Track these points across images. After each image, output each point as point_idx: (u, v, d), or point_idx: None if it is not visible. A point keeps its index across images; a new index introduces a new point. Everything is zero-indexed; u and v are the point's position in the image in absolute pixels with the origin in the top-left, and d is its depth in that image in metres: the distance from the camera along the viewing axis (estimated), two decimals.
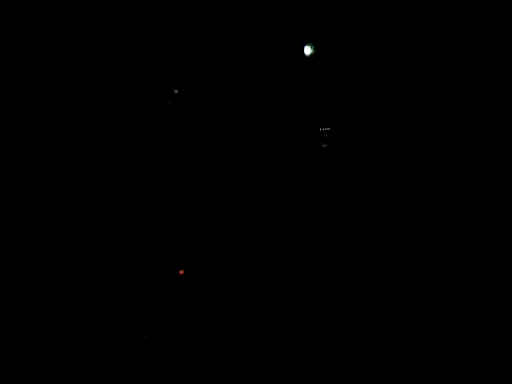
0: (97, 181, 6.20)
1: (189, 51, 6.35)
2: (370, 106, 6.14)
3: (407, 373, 5.45)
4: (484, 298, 5.72)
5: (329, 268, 6.07)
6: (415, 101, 6.08)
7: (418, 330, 5.70)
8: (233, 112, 6.31)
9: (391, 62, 6.08)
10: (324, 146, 6.10)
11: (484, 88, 5.94)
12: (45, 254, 6.02)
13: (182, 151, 6.31)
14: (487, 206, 5.92)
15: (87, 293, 5.97)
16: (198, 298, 5.96)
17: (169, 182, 6.24)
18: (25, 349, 5.66)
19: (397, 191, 6.10)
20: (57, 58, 6.20)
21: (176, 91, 6.35)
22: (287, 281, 6.01)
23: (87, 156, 6.24)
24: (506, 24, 5.84)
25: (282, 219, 6.10)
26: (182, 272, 5.94)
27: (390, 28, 6.05)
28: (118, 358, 5.67)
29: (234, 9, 6.14)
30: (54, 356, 5.65)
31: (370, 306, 5.89)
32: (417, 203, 6.05)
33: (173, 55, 6.33)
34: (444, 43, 5.99)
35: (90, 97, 6.27)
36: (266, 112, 6.27)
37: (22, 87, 6.17)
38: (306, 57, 6.05)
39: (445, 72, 6.02)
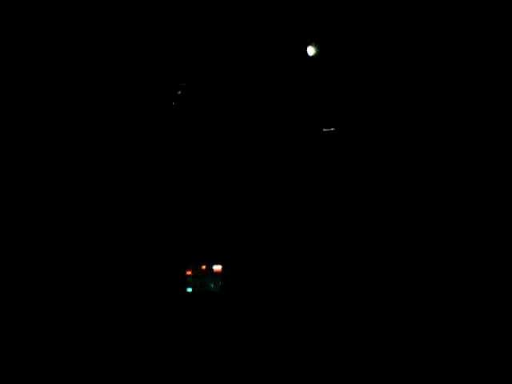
0: (99, 180, 6.22)
1: (193, 50, 6.34)
2: (372, 106, 6.15)
3: (407, 373, 5.41)
4: (484, 298, 5.67)
5: (332, 265, 6.08)
6: (417, 101, 6.06)
7: (417, 329, 5.66)
8: (237, 111, 6.33)
9: (393, 62, 6.07)
10: (327, 145, 6.12)
11: (487, 88, 5.92)
12: (45, 254, 6.00)
13: (189, 148, 6.34)
14: (487, 205, 5.86)
15: (88, 293, 5.96)
16: (200, 297, 6.07)
17: (174, 179, 6.30)
18: (25, 349, 5.61)
19: (400, 189, 6.07)
20: (61, 58, 6.19)
21: (183, 84, 6.37)
22: (289, 278, 6.08)
23: (89, 156, 6.23)
24: (506, 24, 5.81)
25: (286, 216, 6.16)
26: (189, 273, 6.02)
27: (392, 29, 6.03)
28: (119, 357, 5.64)
29: (240, 10, 6.12)
30: (54, 356, 5.60)
31: (371, 305, 5.87)
32: (419, 201, 6.02)
33: (178, 52, 6.33)
34: (446, 43, 5.97)
35: (92, 98, 6.26)
36: (270, 111, 6.28)
37: (25, 87, 6.13)
38: (310, 57, 6.06)
39: (447, 72, 6.00)
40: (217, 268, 6.00)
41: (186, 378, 5.47)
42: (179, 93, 6.25)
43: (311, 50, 6.03)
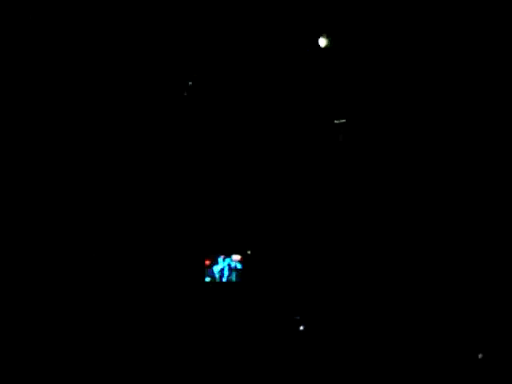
0: (102, 180, 6.32)
1: (199, 45, 6.38)
2: (381, 99, 6.26)
3: (407, 372, 5.45)
4: (484, 298, 5.70)
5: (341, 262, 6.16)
6: (423, 98, 6.11)
7: (418, 329, 5.71)
8: (249, 104, 6.43)
9: (403, 55, 6.13)
10: (339, 138, 6.25)
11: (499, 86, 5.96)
12: (46, 254, 6.04)
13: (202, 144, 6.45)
14: (489, 205, 5.88)
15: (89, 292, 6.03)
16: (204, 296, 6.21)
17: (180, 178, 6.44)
18: (25, 349, 5.63)
19: (405, 187, 6.11)
20: (64, 59, 6.23)
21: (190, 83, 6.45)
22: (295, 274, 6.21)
23: (90, 156, 6.30)
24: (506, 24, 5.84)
25: (301, 209, 6.33)
26: (207, 262, 6.17)
27: (401, 23, 6.08)
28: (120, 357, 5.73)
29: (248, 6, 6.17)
30: (54, 355, 5.64)
31: (372, 305, 5.93)
32: (423, 200, 6.06)
33: (185, 49, 6.37)
34: (447, 41, 6.03)
35: (94, 99, 6.30)
36: (282, 104, 6.38)
37: (27, 87, 6.14)
38: (321, 48, 6.15)
39: (450, 69, 6.06)
40: (235, 257, 6.17)
41: (202, 365, 5.68)
42: (185, 92, 6.36)
43: (322, 42, 6.12)
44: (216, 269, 6.15)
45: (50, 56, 6.20)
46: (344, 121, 6.21)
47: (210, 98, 6.48)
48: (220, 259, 6.15)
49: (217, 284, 6.14)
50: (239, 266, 6.13)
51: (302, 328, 5.93)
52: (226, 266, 6.15)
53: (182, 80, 6.47)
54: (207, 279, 6.14)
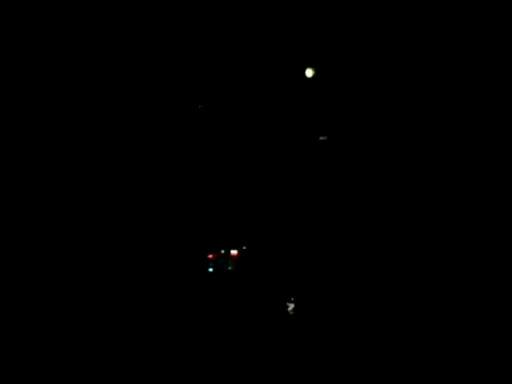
0: (127, 170, 6.76)
1: (196, 53, 6.70)
2: (371, 111, 6.56)
3: (407, 372, 5.39)
4: (484, 298, 5.73)
5: (331, 266, 6.54)
6: (414, 105, 6.30)
7: (417, 329, 5.77)
8: (240, 123, 7.03)
9: (392, 67, 6.42)
10: (323, 152, 7.07)
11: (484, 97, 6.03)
12: (47, 255, 6.24)
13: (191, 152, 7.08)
14: (487, 206, 5.92)
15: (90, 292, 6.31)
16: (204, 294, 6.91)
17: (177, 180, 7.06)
18: (25, 348, 5.68)
19: (396, 194, 6.33)
20: (64, 60, 6.42)
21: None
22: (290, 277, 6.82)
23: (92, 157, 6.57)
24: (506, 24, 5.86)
25: (285, 219, 7.02)
26: (211, 256, 7.33)
27: (390, 33, 6.34)
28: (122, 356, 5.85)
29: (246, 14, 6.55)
30: (54, 355, 5.68)
31: (371, 305, 6.11)
32: (416, 204, 6.21)
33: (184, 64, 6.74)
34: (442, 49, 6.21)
35: (95, 99, 6.57)
36: (278, 103, 6.85)
37: (29, 88, 6.30)
38: (308, 78, 7.06)
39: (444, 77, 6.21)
40: (233, 252, 7.34)
41: (208, 345, 6.16)
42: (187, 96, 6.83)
43: (309, 73, 7.00)
44: (218, 261, 7.33)
45: (58, 60, 6.33)
46: (327, 137, 7.02)
47: (209, 97, 7.02)
48: (222, 253, 7.33)
49: (218, 273, 7.31)
50: (236, 260, 7.29)
51: (291, 308, 6.70)
52: (225, 259, 7.33)
53: (182, 80, 6.79)
54: (210, 269, 7.34)
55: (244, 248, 7.30)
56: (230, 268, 7.26)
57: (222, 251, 7.34)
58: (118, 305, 6.38)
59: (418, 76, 6.38)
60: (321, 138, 7.14)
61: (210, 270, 7.31)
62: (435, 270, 5.99)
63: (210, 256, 7.34)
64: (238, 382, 5.57)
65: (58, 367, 5.52)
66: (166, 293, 6.86)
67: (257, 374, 5.61)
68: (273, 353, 5.89)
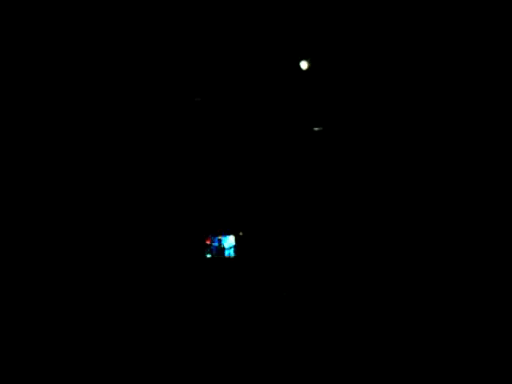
0: (126, 167, 6.93)
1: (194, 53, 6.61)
2: (368, 107, 6.65)
3: (407, 373, 5.37)
4: (484, 298, 5.73)
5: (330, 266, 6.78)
6: (411, 104, 6.36)
7: (417, 330, 5.79)
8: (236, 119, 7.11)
9: (389, 66, 6.42)
10: (318, 144, 7.17)
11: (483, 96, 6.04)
12: (47, 255, 6.32)
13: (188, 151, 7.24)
14: (486, 205, 5.92)
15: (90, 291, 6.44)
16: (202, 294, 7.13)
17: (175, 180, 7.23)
18: (25, 349, 5.71)
19: (393, 191, 6.49)
20: (65, 60, 6.36)
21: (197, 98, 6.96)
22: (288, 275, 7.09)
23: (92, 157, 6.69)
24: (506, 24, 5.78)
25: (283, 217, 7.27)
26: (208, 242, 7.61)
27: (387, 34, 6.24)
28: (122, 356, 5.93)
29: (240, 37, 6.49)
30: (54, 355, 5.72)
31: (371, 305, 6.24)
32: (414, 204, 6.32)
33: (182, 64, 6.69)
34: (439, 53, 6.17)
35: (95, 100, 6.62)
36: (274, 100, 6.92)
37: (29, 88, 6.29)
38: (303, 70, 6.87)
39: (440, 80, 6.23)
40: (230, 238, 7.65)
41: (212, 327, 6.50)
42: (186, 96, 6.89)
43: (304, 65, 6.79)
44: (214, 246, 7.66)
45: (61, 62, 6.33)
46: (321, 128, 7.09)
47: (208, 97, 7.08)
48: (222, 238, 7.63)
49: (215, 259, 7.68)
50: (234, 245, 7.63)
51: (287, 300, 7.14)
52: (223, 244, 7.66)
53: (181, 80, 6.86)
54: (208, 255, 7.68)
55: (240, 234, 7.60)
56: (227, 254, 7.61)
57: (220, 237, 7.63)
58: (115, 292, 6.61)
59: (413, 68, 6.39)
60: (315, 129, 7.18)
61: (208, 255, 7.65)
62: (434, 267, 6.05)
63: (207, 241, 7.62)
64: (237, 376, 5.64)
65: (58, 367, 5.58)
66: (165, 282, 7.20)
67: (255, 369, 5.70)
68: (270, 345, 6.13)
